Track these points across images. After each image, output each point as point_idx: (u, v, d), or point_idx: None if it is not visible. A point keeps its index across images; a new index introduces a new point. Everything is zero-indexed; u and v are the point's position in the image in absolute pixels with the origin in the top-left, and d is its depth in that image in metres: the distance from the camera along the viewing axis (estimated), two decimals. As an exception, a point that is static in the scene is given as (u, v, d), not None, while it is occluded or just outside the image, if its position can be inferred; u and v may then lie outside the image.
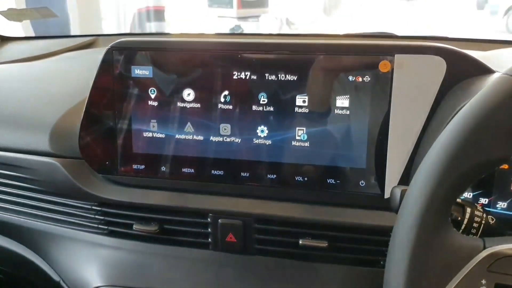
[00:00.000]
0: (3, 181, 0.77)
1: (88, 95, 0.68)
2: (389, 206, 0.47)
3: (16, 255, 0.82)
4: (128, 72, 0.66)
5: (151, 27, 3.95)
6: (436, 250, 0.38)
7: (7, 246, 0.83)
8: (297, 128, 0.63)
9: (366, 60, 0.59)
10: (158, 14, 4.03)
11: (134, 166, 0.69)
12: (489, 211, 0.58)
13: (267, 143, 0.64)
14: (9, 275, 0.95)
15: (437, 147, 0.39)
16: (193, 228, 0.69)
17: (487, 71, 0.58)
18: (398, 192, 0.47)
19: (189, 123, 0.66)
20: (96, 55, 0.68)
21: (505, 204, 0.58)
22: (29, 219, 0.78)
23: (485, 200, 0.59)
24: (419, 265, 0.37)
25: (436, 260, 0.37)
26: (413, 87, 0.58)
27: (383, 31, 1.07)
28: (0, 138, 0.75)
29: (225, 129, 0.65)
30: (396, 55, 0.58)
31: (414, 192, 0.39)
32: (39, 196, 0.75)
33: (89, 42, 1.20)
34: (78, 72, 0.88)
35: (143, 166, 0.68)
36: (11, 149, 0.74)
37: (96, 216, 0.72)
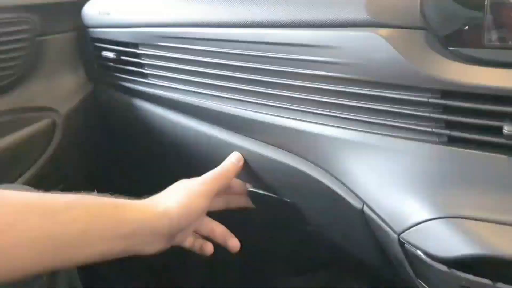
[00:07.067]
0: (303, 71, 0.52)
1: None
2: None
3: (300, 173, 0.56)
4: None
5: None
6: None
7: (288, 163, 0.57)
8: None
9: None
10: None
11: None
12: None
13: None
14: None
15: None
16: None
17: None
18: None
19: None
20: None
21: None
22: (318, 123, 0.52)
23: None
24: None
25: None
26: None
27: None
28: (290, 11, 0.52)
29: None
30: None
31: None
32: (341, 89, 0.49)
33: None
34: None
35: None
36: (298, 23, 0.51)
37: (432, 115, 0.43)
